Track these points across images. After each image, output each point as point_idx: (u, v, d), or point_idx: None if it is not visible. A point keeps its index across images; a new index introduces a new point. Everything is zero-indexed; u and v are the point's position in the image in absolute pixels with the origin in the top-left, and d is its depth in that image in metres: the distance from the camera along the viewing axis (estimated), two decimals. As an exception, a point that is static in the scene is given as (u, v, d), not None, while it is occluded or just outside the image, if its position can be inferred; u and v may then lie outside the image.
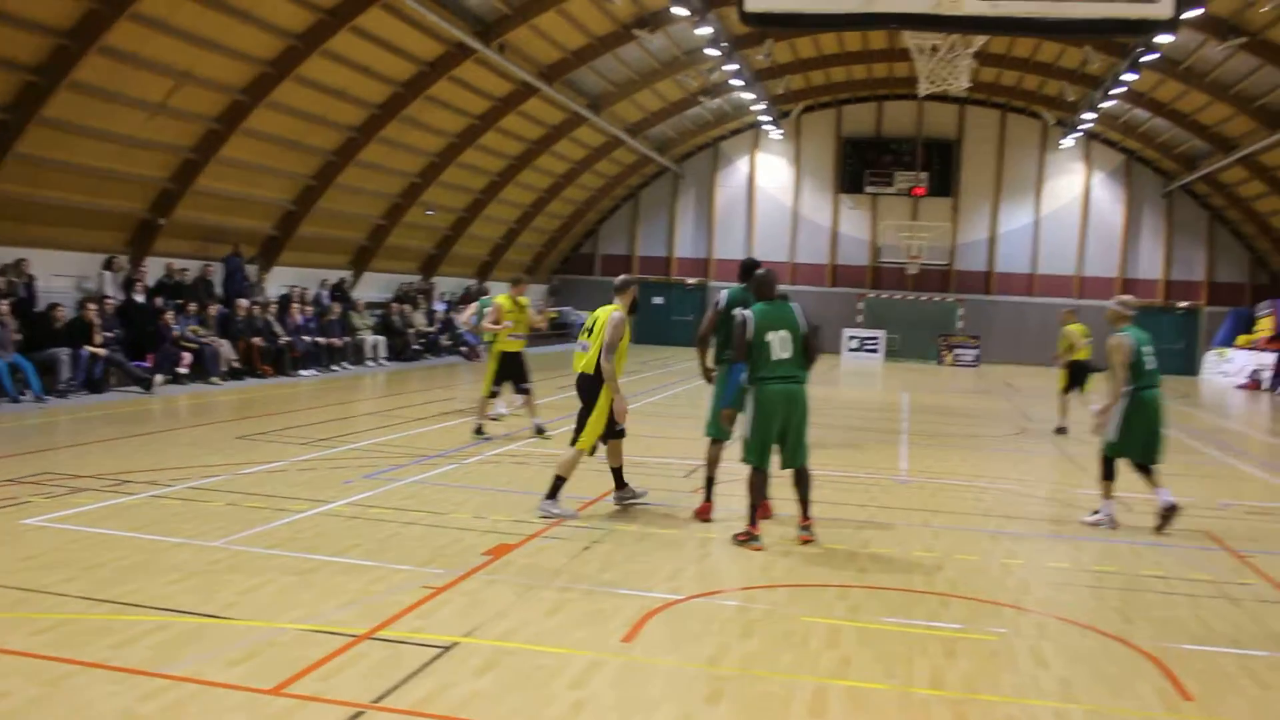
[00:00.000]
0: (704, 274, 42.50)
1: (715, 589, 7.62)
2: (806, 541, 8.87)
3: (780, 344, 8.87)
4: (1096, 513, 10.46)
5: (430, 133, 27.80)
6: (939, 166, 40.48)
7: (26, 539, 8.04)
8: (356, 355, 25.90)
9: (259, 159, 23.13)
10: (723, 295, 9.93)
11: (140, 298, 20.19)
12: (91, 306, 18.16)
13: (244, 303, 22.11)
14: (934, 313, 40.80)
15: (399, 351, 27.82)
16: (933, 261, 40.19)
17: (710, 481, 9.91)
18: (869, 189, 40.94)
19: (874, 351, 39.73)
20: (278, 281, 25.53)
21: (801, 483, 9.04)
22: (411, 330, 28.75)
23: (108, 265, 20.33)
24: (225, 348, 20.86)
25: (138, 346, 19.32)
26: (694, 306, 42.30)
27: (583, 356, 9.94)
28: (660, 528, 9.40)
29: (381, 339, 26.93)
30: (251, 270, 24.24)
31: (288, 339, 22.78)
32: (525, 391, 14.60)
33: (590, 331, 9.96)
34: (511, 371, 14.51)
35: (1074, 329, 18.28)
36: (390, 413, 17.09)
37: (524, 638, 6.36)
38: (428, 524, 9.11)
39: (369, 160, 26.26)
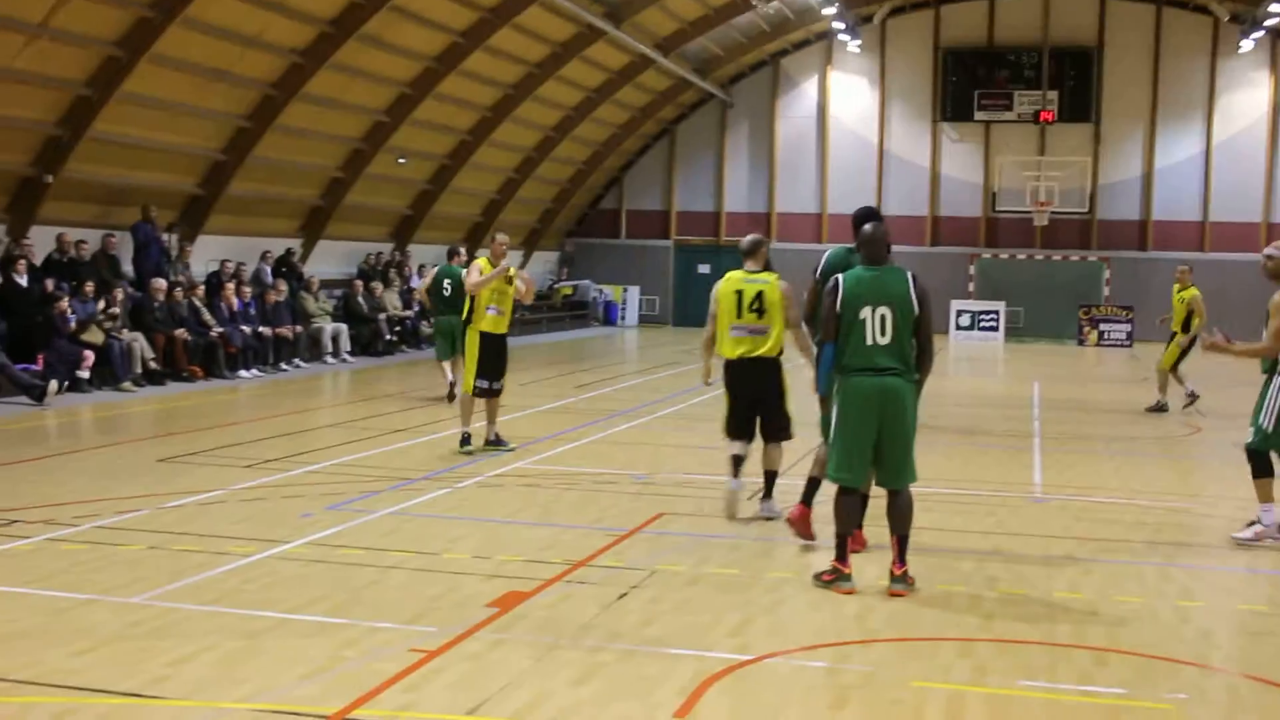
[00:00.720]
0: (764, 232, 42.22)
1: (795, 646, 7.58)
2: (897, 595, 8.70)
3: (879, 324, 8.75)
4: (1253, 524, 10.50)
5: (399, 55, 27.85)
6: (1073, 83, 40.21)
7: (-111, 598, 8.10)
8: (312, 349, 26.00)
9: (175, 95, 23.24)
10: (823, 258, 10.01)
11: (24, 280, 20.32)
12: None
13: (161, 283, 22.24)
14: (1071, 277, 40.57)
15: (366, 343, 27.92)
16: (1067, 209, 39.93)
17: (812, 483, 10.04)
18: (979, 115, 40.75)
19: (992, 329, 39.55)
20: (205, 255, 25.66)
21: (897, 513, 8.86)
22: (382, 316, 28.84)
23: (-20, 238, 20.52)
24: (139, 343, 20.97)
25: (24, 344, 19.45)
26: (751, 276, 42.14)
27: (761, 340, 10.75)
28: (719, 566, 9.38)
29: (343, 327, 27.05)
30: (170, 241, 24.36)
31: (220, 330, 22.91)
32: (496, 392, 14.57)
33: (758, 311, 10.73)
34: (493, 362, 14.46)
35: (1197, 294, 19.88)
36: (359, 423, 17.14)
37: (546, 715, 6.34)
38: (414, 568, 9.12)
39: (320, 94, 26.34)
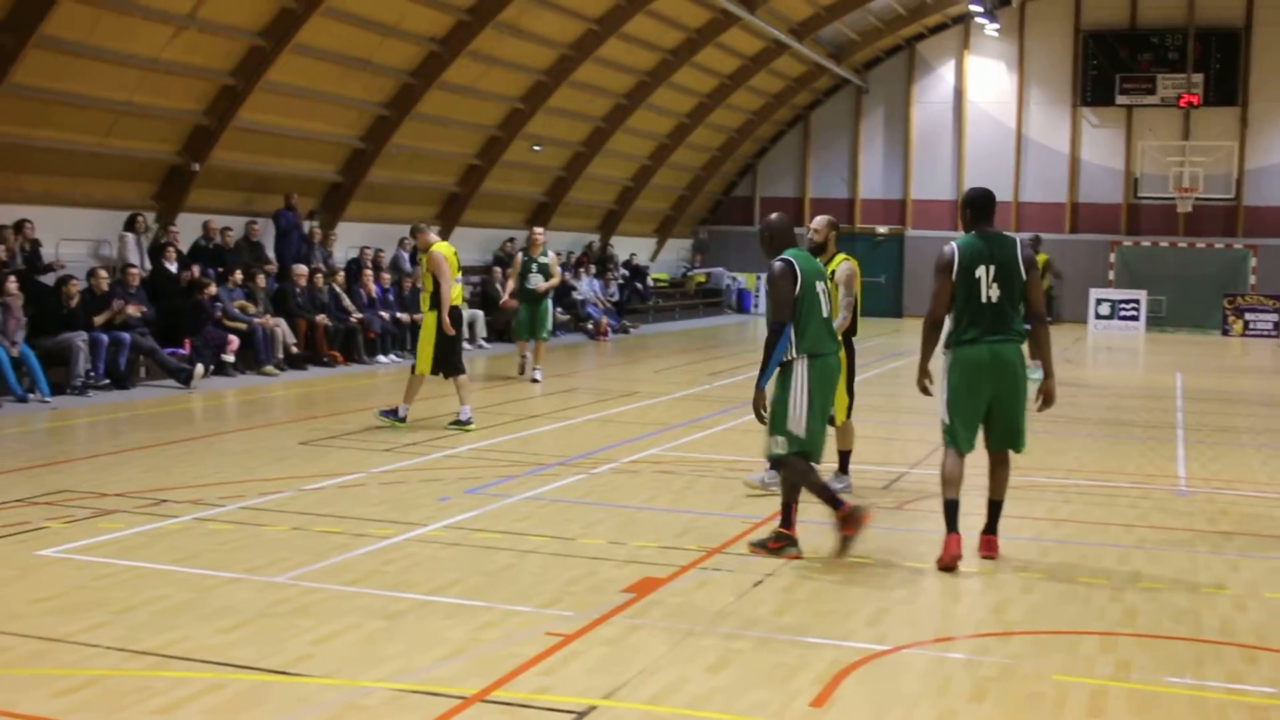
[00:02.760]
0: (899, 220, 42.11)
1: (932, 637, 7.52)
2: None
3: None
4: None
5: (535, 43, 28.03)
6: (1220, 65, 39.29)
7: (43, 574, 8.35)
8: (447, 335, 26.24)
9: (317, 83, 23.62)
10: (950, 249, 9.01)
11: (173, 266, 20.81)
12: (109, 277, 18.77)
13: (303, 270, 22.63)
14: (1215, 265, 39.66)
15: (502, 329, 28.14)
16: (1212, 195, 39.02)
17: (949, 508, 9.06)
18: (1121, 99, 40.04)
19: (1132, 319, 38.86)
20: (345, 241, 26.07)
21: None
22: (518, 302, 29.04)
23: (130, 225, 21.00)
24: (281, 328, 21.37)
25: (171, 328, 19.93)
26: (885, 264, 41.93)
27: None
28: (853, 556, 9.30)
29: (479, 314, 27.27)
30: (311, 228, 24.76)
31: (360, 316, 23.25)
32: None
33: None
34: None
35: None
36: (496, 409, 17.29)
37: (682, 700, 6.34)
38: (550, 552, 9.19)
39: (457, 82, 26.60)
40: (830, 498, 9.15)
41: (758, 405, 9.10)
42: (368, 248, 25.55)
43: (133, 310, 18.59)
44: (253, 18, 21.30)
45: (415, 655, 6.86)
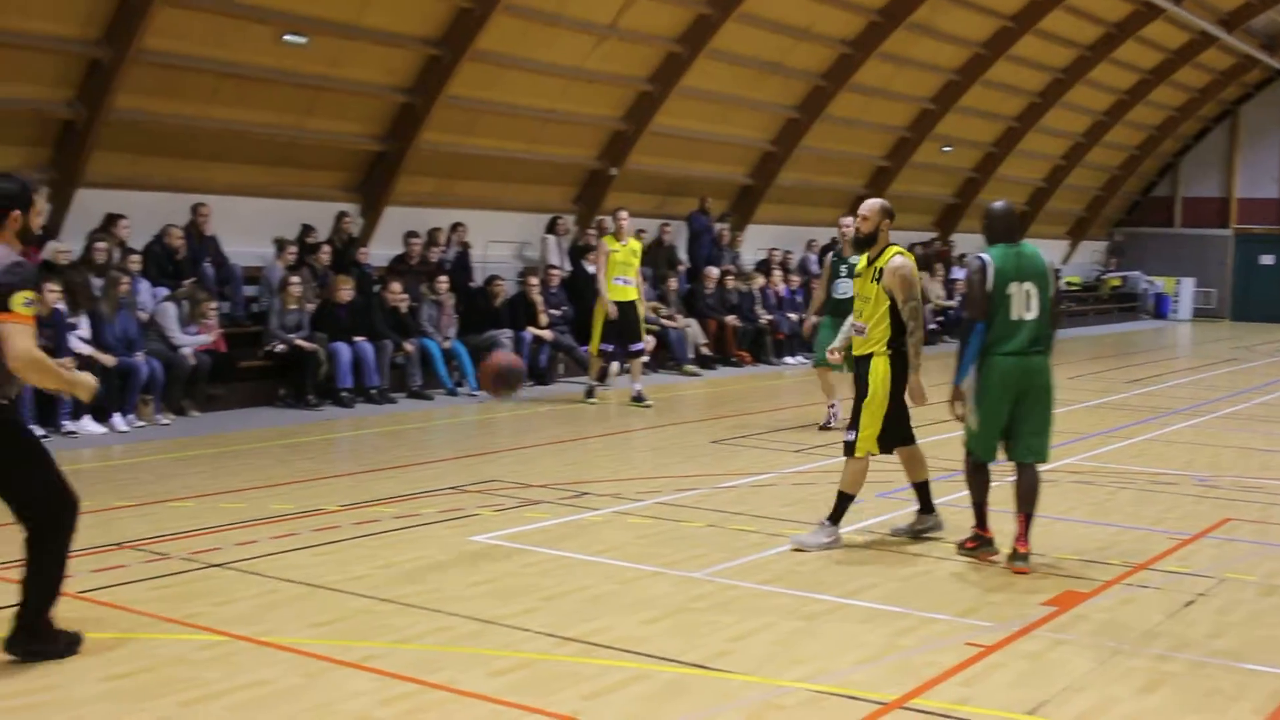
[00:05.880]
0: (1336, 221, 39.49)
1: (1387, 671, 6.99)
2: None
3: None
4: None
5: (945, 42, 27.66)
6: None
7: (477, 559, 8.78)
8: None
9: (730, 88, 24.01)
10: None
11: (591, 268, 21.50)
12: (534, 280, 19.60)
13: (714, 272, 23.03)
14: None
15: (908, 333, 27.88)
16: None
17: None
18: None
19: None
20: (754, 243, 26.40)
21: None
22: (927, 305, 28.72)
23: (551, 227, 21.85)
24: (693, 329, 21.80)
25: (589, 328, 20.56)
26: (1319, 268, 39.48)
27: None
28: (1295, 578, 8.79)
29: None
30: (721, 230, 25.15)
31: (769, 317, 23.47)
32: (630, 355, 17.33)
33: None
34: (616, 329, 17.00)
35: None
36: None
37: (1111, 721, 6.14)
38: (965, 560, 9.06)
39: (867, 84, 26.53)
40: (978, 514, 9.18)
41: (952, 400, 9.17)
42: (775, 249, 25.80)
43: (546, 335, 19.31)
44: (670, 25, 21.84)
45: (833, 657, 6.87)
